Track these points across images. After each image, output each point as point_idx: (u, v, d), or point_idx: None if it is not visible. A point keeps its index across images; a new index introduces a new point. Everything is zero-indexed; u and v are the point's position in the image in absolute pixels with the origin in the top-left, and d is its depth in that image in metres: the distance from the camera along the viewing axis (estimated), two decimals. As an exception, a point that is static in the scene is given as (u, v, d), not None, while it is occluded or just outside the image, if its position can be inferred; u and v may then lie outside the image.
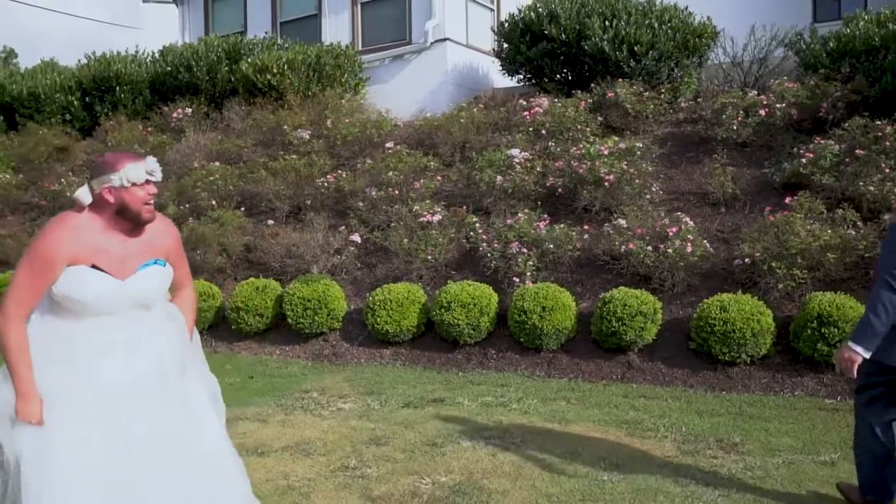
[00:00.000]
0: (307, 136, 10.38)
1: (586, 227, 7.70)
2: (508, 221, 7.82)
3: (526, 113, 9.33)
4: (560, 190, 8.18)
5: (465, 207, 8.49)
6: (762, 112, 8.16)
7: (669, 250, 6.75)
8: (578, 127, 8.92)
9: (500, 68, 11.19)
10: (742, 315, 5.94)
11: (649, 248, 6.82)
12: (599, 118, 9.19)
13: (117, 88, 12.76)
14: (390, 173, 9.01)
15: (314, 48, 11.75)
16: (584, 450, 4.64)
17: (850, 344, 3.25)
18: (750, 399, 5.73)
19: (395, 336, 7.35)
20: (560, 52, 10.03)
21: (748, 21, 9.57)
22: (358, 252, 8.61)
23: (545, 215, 7.92)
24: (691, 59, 9.51)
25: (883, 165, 6.92)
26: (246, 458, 4.58)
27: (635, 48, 9.35)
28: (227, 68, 12.13)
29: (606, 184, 7.74)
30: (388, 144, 9.85)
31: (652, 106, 9.05)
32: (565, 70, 10.25)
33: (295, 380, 6.86)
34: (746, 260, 6.55)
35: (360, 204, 8.95)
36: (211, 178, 9.90)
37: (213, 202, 9.70)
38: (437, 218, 8.19)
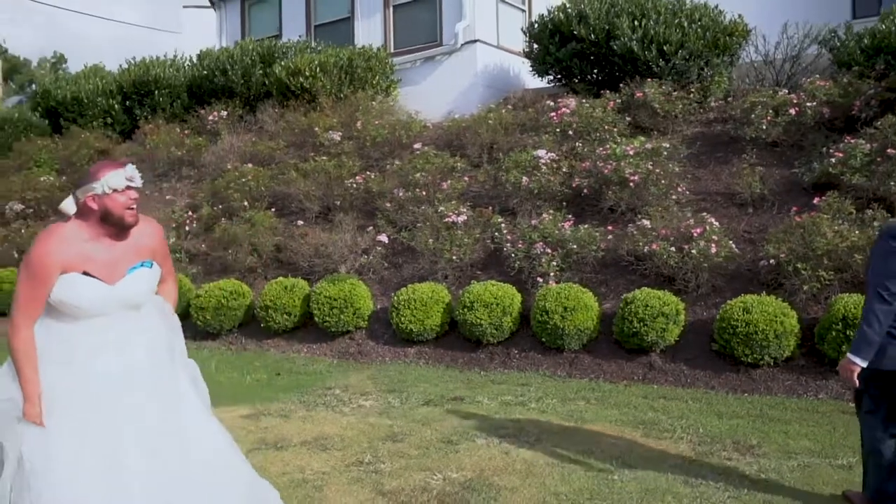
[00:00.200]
0: (338, 138, 10.53)
1: (610, 227, 7.68)
2: (533, 222, 7.85)
3: (553, 114, 9.33)
4: (585, 191, 8.17)
5: (490, 208, 8.54)
6: (792, 111, 8.05)
7: (693, 251, 6.70)
8: (606, 127, 8.90)
9: (530, 69, 11.20)
10: (765, 317, 5.87)
11: (672, 248, 6.78)
12: (628, 118, 9.15)
13: (156, 92, 13.11)
14: (417, 174, 9.10)
15: (346, 51, 11.90)
16: (597, 449, 4.65)
17: (850, 356, 3.39)
18: (772, 401, 5.67)
19: (418, 335, 7.43)
20: (589, 53, 10.01)
21: (781, 19, 9.44)
22: (385, 252, 8.71)
23: (570, 216, 7.93)
24: (722, 57, 9.40)
25: (916, 165, 6.78)
26: (265, 452, 4.75)
27: (664, 47, 9.28)
28: (261, 72, 12.37)
29: (631, 184, 7.71)
30: (416, 146, 9.94)
31: (681, 106, 8.98)
32: (594, 70, 10.22)
33: (320, 377, 6.98)
34: (771, 261, 6.47)
35: (388, 204, 9.05)
36: (243, 180, 10.12)
37: (246, 203, 9.92)
38: (461, 218, 8.25)
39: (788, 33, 9.28)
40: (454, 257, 7.93)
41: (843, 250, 6.15)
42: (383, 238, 8.75)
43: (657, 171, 7.77)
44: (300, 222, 9.47)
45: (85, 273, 2.79)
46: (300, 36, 13.72)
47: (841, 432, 4.92)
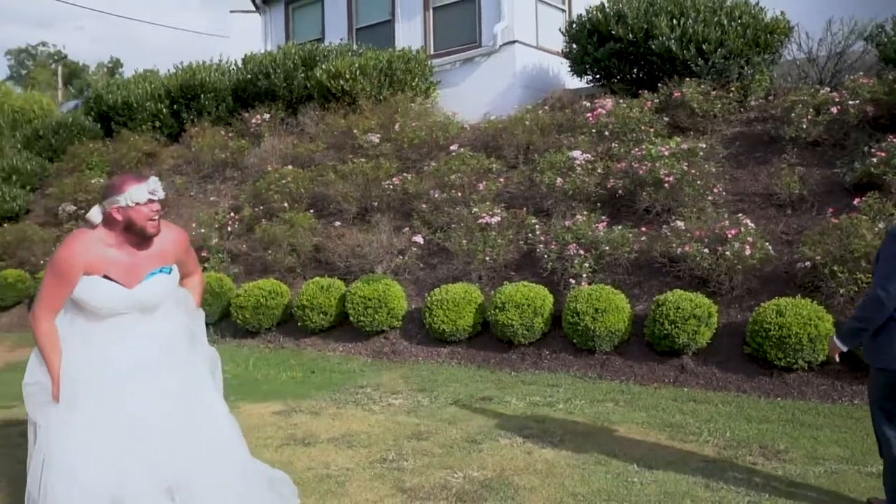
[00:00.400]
0: (376, 140, 10.66)
1: (644, 228, 7.63)
2: (566, 223, 7.84)
3: (589, 114, 9.30)
4: (620, 191, 8.13)
5: (525, 209, 8.55)
6: (834, 110, 7.86)
7: (727, 253, 6.62)
8: (642, 128, 8.83)
9: (569, 69, 11.17)
10: (799, 320, 5.77)
11: (706, 250, 6.71)
12: (666, 118, 9.06)
13: (202, 96, 13.44)
14: (453, 176, 9.17)
15: (385, 54, 12.03)
16: (620, 451, 4.65)
17: (837, 340, 3.64)
18: (805, 406, 5.57)
19: (451, 335, 7.50)
20: (627, 52, 9.92)
21: (825, 14, 9.20)
22: (421, 253, 8.80)
23: (604, 217, 7.90)
24: (762, 56, 9.23)
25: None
26: (293, 448, 4.87)
27: (703, 46, 9.16)
28: (302, 75, 12.57)
29: (666, 185, 7.64)
30: (453, 147, 10.01)
31: (719, 105, 8.85)
32: (633, 70, 10.12)
33: (353, 376, 7.10)
34: (807, 263, 6.35)
35: (424, 206, 9.14)
36: (283, 181, 10.32)
37: (286, 204, 10.12)
38: (495, 219, 8.28)
39: (833, 29, 9.05)
40: (487, 258, 7.98)
41: (882, 252, 5.99)
42: (419, 239, 8.84)
43: (693, 171, 7.68)
44: (338, 223, 9.63)
45: (106, 276, 3.04)
46: (341, 39, 13.91)
47: (873, 439, 4.79)
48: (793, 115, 8.08)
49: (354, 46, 13.35)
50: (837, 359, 3.77)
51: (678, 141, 8.15)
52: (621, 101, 9.33)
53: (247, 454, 3.50)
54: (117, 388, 3.07)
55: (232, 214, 10.62)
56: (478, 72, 12.44)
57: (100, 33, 77.24)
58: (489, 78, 12.15)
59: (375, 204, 9.69)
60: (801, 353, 5.78)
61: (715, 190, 7.73)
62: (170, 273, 3.23)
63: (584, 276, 7.34)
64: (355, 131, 10.88)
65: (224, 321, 9.15)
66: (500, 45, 12.04)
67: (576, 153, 8.61)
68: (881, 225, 6.27)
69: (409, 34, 13.32)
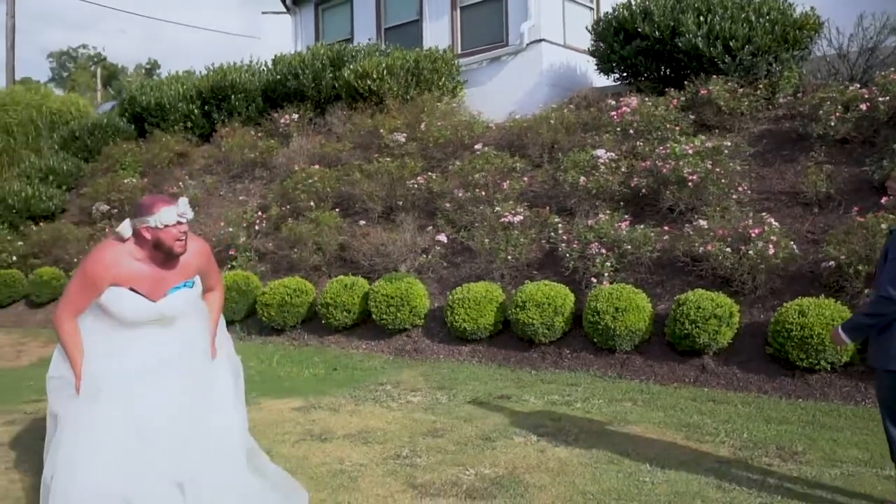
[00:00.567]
0: (402, 139, 10.73)
1: (666, 227, 7.57)
2: (589, 222, 7.82)
3: (614, 113, 9.25)
4: (644, 190, 8.08)
5: (548, 208, 8.55)
6: (863, 106, 7.72)
7: (750, 252, 6.54)
8: (667, 126, 8.76)
9: (595, 67, 11.11)
10: (821, 320, 5.69)
11: (728, 249, 6.64)
12: (692, 116, 8.98)
13: (232, 97, 13.65)
14: (477, 175, 9.19)
15: (412, 53, 12.09)
16: (634, 450, 4.64)
17: (842, 332, 3.65)
18: (826, 408, 5.49)
19: (472, 334, 7.53)
20: (654, 50, 9.84)
21: (856, 9, 9.02)
22: (444, 251, 8.85)
23: (627, 216, 7.86)
24: (791, 52, 9.08)
25: None
26: (309, 443, 4.95)
27: (730, 43, 9.05)
28: (331, 75, 12.71)
29: (690, 184, 7.58)
30: (477, 146, 10.03)
31: (746, 103, 8.74)
32: (659, 68, 10.04)
33: (374, 373, 7.17)
34: (832, 263, 6.25)
35: (448, 205, 9.18)
36: (310, 181, 10.45)
37: (312, 203, 10.24)
38: (518, 218, 8.29)
39: (864, 24, 8.87)
40: (509, 257, 7.99)
41: (909, 252, 5.87)
42: (442, 238, 8.88)
43: (717, 170, 7.60)
44: (362, 222, 9.71)
45: (132, 289, 3.19)
46: (369, 39, 14.02)
47: (895, 441, 4.73)
48: (821, 112, 7.95)
49: (383, 46, 13.45)
50: (839, 347, 3.77)
51: (703, 139, 8.07)
52: (647, 99, 9.27)
53: (259, 455, 3.69)
54: (133, 389, 3.20)
55: (259, 213, 10.78)
56: (504, 71, 12.44)
57: (139, 36, 78.76)
58: (516, 77, 12.15)
59: (400, 203, 9.75)
60: (824, 353, 5.70)
61: (740, 188, 7.64)
62: (192, 287, 3.38)
63: (606, 275, 7.32)
64: (381, 131, 10.96)
65: (250, 318, 9.30)
66: (527, 44, 12.02)
67: (599, 152, 8.58)
68: (909, 224, 6.15)
69: (437, 34, 13.37)
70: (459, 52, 13.03)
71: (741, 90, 8.79)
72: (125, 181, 12.65)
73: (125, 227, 3.19)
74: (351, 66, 12.22)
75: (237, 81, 13.73)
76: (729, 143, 7.95)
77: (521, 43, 12.05)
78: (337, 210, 10.09)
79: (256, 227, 10.58)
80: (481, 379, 6.77)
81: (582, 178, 8.32)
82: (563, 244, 7.72)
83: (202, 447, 3.28)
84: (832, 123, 7.81)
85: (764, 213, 7.13)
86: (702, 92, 8.92)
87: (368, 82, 11.87)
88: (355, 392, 6.38)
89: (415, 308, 7.95)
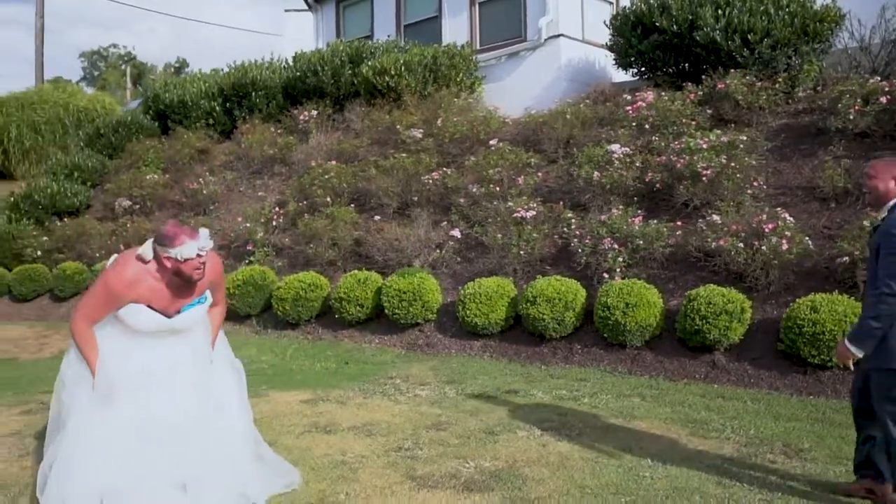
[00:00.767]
0: (419, 135, 10.75)
1: (679, 223, 7.50)
2: (602, 217, 7.77)
3: (629, 107, 9.17)
4: (658, 185, 8.01)
5: (561, 203, 8.51)
6: (883, 99, 7.57)
7: (763, 247, 6.46)
8: (683, 120, 8.67)
9: (614, 62, 11.03)
10: (833, 316, 5.60)
11: (740, 244, 6.56)
12: (709, 111, 8.88)
13: (253, 94, 13.78)
14: (491, 170, 9.18)
15: (430, 49, 12.10)
16: (637, 446, 4.61)
17: (851, 346, 3.52)
18: (837, 405, 5.40)
19: (483, 328, 7.53)
20: (672, 44, 9.74)
21: (879, 1, 8.86)
22: (459, 247, 8.86)
23: (641, 211, 7.80)
24: (811, 45, 8.93)
25: None
26: (314, 435, 4.99)
27: (748, 36, 8.93)
28: (350, 71, 12.77)
29: (704, 179, 7.50)
30: (492, 142, 10.01)
31: (764, 97, 8.62)
32: (678, 62, 9.94)
33: (384, 367, 7.21)
34: (846, 259, 6.15)
35: (462, 200, 9.18)
36: (326, 177, 10.51)
37: (328, 199, 10.31)
38: (530, 214, 8.27)
39: (886, 16, 8.70)
40: (522, 252, 7.97)
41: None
42: (456, 233, 8.89)
43: (732, 164, 7.51)
44: (378, 217, 9.74)
45: (149, 305, 3.41)
46: (388, 35, 14.06)
47: (905, 439, 4.64)
48: (839, 105, 7.82)
49: (402, 43, 13.48)
50: (852, 366, 3.52)
51: (718, 133, 7.98)
52: (663, 93, 9.18)
53: (260, 443, 3.98)
54: (144, 392, 3.43)
55: (277, 209, 10.87)
56: (523, 66, 12.39)
57: (168, 35, 79.78)
58: (534, 72, 12.10)
59: (415, 198, 9.77)
60: (836, 350, 5.59)
61: (755, 183, 7.54)
62: (204, 302, 3.61)
63: (618, 270, 7.27)
64: (398, 127, 10.99)
65: (266, 313, 9.39)
66: (545, 39, 11.97)
67: (614, 147, 8.52)
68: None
69: (456, 30, 13.36)
70: (478, 47, 13.02)
71: (759, 84, 8.68)
72: (147, 177, 12.83)
73: (147, 250, 3.39)
74: (369, 63, 12.26)
75: (258, 78, 13.85)
76: (744, 138, 7.84)
77: (539, 38, 12.00)
78: (353, 205, 10.14)
79: (274, 223, 10.68)
80: (490, 373, 6.77)
81: (596, 174, 8.27)
82: (576, 239, 7.69)
83: (206, 448, 3.48)
84: (851, 117, 7.68)
85: (779, 209, 7.04)
86: (719, 86, 8.82)
87: (386, 78, 11.90)
88: (364, 385, 6.42)
89: (427, 303, 7.97)
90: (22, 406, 6.06)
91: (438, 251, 8.85)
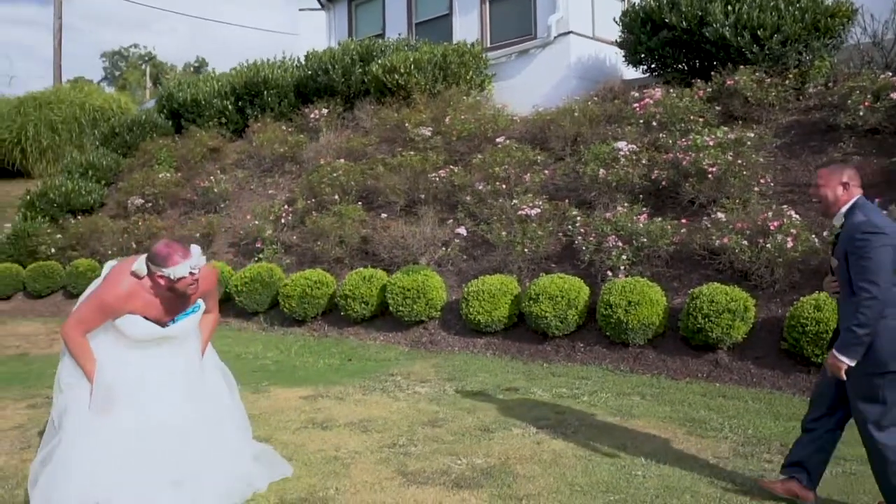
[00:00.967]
0: (428, 133, 10.74)
1: (684, 220, 7.44)
2: (607, 215, 7.72)
3: (636, 105, 9.11)
4: (664, 183, 7.95)
5: (567, 200, 8.47)
6: (894, 95, 7.45)
7: (768, 245, 6.38)
8: (691, 117, 8.59)
9: (623, 59, 10.96)
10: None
11: (745, 242, 6.49)
12: (718, 107, 8.80)
13: (265, 93, 13.84)
14: (497, 168, 9.16)
15: (440, 48, 12.09)
16: (632, 444, 4.58)
17: (841, 356, 3.41)
18: (840, 405, 5.32)
19: (486, 326, 7.51)
20: (681, 41, 9.66)
21: (893, -4, 8.73)
22: (465, 244, 8.84)
23: (646, 209, 7.74)
24: (822, 41, 8.81)
25: None
26: (310, 431, 5.01)
27: (758, 32, 8.83)
28: (360, 70, 12.79)
29: (710, 176, 7.43)
30: (499, 139, 9.98)
31: (774, 93, 8.51)
32: (688, 59, 9.86)
33: (387, 364, 7.21)
34: (851, 256, 6.05)
35: (468, 198, 9.16)
36: (335, 175, 10.53)
37: (336, 197, 10.33)
38: (535, 211, 8.24)
39: (899, 11, 8.57)
40: (526, 250, 7.94)
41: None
42: (462, 231, 8.88)
43: (739, 162, 7.43)
44: (384, 215, 9.75)
45: (144, 316, 3.51)
46: (399, 34, 14.07)
47: (905, 440, 4.56)
48: (849, 102, 7.71)
49: (413, 41, 13.49)
50: (844, 376, 3.39)
51: (725, 131, 7.90)
52: (671, 90, 9.10)
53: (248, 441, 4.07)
54: (140, 397, 3.52)
55: (286, 207, 10.92)
56: (533, 64, 12.34)
57: (188, 35, 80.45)
58: (544, 70, 12.05)
59: (422, 196, 9.77)
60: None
61: (762, 181, 7.46)
62: (198, 310, 3.70)
63: (622, 268, 7.22)
64: (407, 125, 10.99)
65: (273, 310, 9.44)
66: (555, 37, 11.92)
67: (620, 144, 8.47)
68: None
69: (467, 27, 13.35)
70: (488, 45, 13.00)
71: (769, 80, 8.57)
72: (160, 176, 12.93)
73: (141, 267, 3.46)
74: (379, 61, 12.27)
75: (270, 77, 13.91)
76: (751, 135, 7.76)
77: (549, 35, 11.95)
78: (361, 203, 10.16)
79: (283, 221, 10.72)
80: (492, 371, 6.75)
81: (602, 171, 8.22)
82: (580, 237, 7.65)
83: (205, 448, 3.60)
84: (861, 113, 7.57)
85: (786, 206, 6.95)
86: (728, 83, 8.74)
87: (396, 77, 11.91)
88: (365, 382, 6.43)
89: (431, 300, 7.97)
90: (28, 400, 6.15)
91: (444, 249, 8.85)
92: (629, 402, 5.59)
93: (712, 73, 9.16)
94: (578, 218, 8.00)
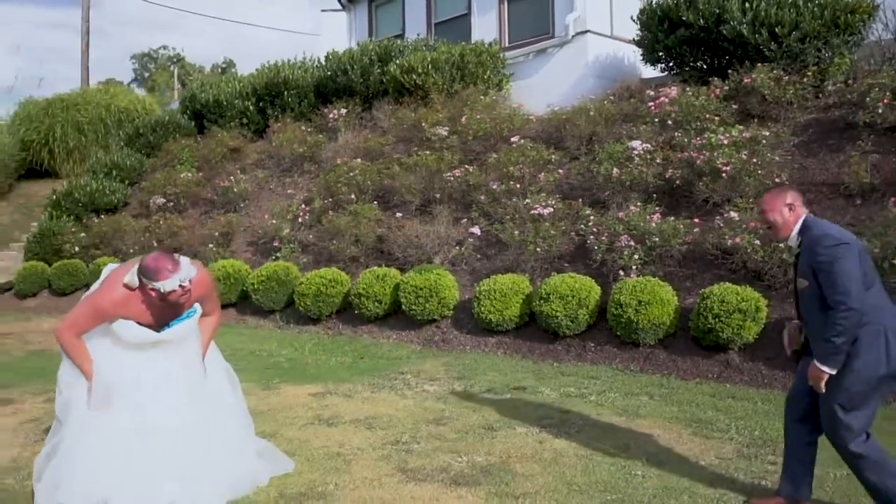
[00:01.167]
0: (444, 133, 10.76)
1: (697, 220, 7.38)
2: (619, 214, 7.69)
3: (651, 103, 9.05)
4: (678, 182, 7.89)
5: (580, 200, 8.45)
6: (914, 93, 7.33)
7: (781, 245, 6.30)
8: (707, 116, 8.52)
9: (641, 58, 10.89)
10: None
11: (757, 242, 6.42)
12: (735, 106, 8.70)
13: (285, 93, 13.96)
14: (511, 167, 9.15)
15: (458, 48, 12.10)
16: (635, 444, 4.56)
17: (823, 366, 3.35)
18: (850, 407, 5.25)
19: (498, 325, 7.51)
20: (698, 39, 9.57)
21: (914, -9, 8.59)
22: (479, 244, 8.86)
23: (659, 208, 7.69)
24: (842, 37, 8.68)
25: None
26: (315, 427, 5.06)
27: (776, 30, 8.72)
28: (378, 70, 12.84)
29: (724, 175, 7.36)
30: (514, 139, 9.97)
31: (791, 91, 8.40)
32: (705, 57, 9.77)
33: (398, 362, 7.25)
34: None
35: (483, 197, 9.17)
36: (351, 174, 10.60)
37: (353, 196, 10.40)
38: (547, 210, 8.22)
39: (922, 7, 8.43)
40: (538, 249, 7.94)
41: (949, 245, 5.57)
42: (476, 230, 8.89)
43: (753, 160, 7.35)
44: (400, 214, 9.79)
45: (138, 322, 3.59)
46: (418, 34, 14.10)
47: (915, 442, 4.50)
48: (867, 99, 7.59)
49: (432, 41, 13.51)
50: (823, 388, 3.34)
51: (740, 129, 7.81)
52: (687, 88, 9.03)
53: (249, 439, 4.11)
54: (138, 397, 3.59)
55: (304, 206, 11.02)
56: (550, 63, 12.31)
57: (216, 36, 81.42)
58: (562, 69, 12.01)
59: (438, 195, 9.80)
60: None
61: (777, 179, 7.36)
62: (193, 315, 3.75)
63: (634, 267, 7.19)
64: (424, 124, 11.02)
65: (289, 308, 9.53)
66: (573, 36, 11.88)
67: (635, 143, 8.42)
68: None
69: (485, 27, 13.34)
70: (506, 45, 12.98)
71: (787, 78, 8.46)
72: (181, 175, 13.12)
73: (133, 280, 3.53)
74: (397, 62, 12.32)
75: (290, 78, 14.02)
76: (767, 133, 7.67)
77: (567, 35, 11.92)
78: (376, 203, 10.21)
79: (300, 220, 10.82)
80: (501, 370, 6.76)
81: (615, 170, 8.18)
82: (593, 236, 7.62)
83: (205, 449, 3.65)
84: (879, 111, 7.45)
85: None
86: (745, 81, 8.64)
87: (414, 77, 11.95)
88: (374, 380, 6.47)
89: (443, 299, 7.99)
90: (47, 395, 6.26)
91: (458, 248, 8.87)
92: (637, 402, 5.56)
93: (730, 71, 9.06)
94: (591, 217, 7.98)
